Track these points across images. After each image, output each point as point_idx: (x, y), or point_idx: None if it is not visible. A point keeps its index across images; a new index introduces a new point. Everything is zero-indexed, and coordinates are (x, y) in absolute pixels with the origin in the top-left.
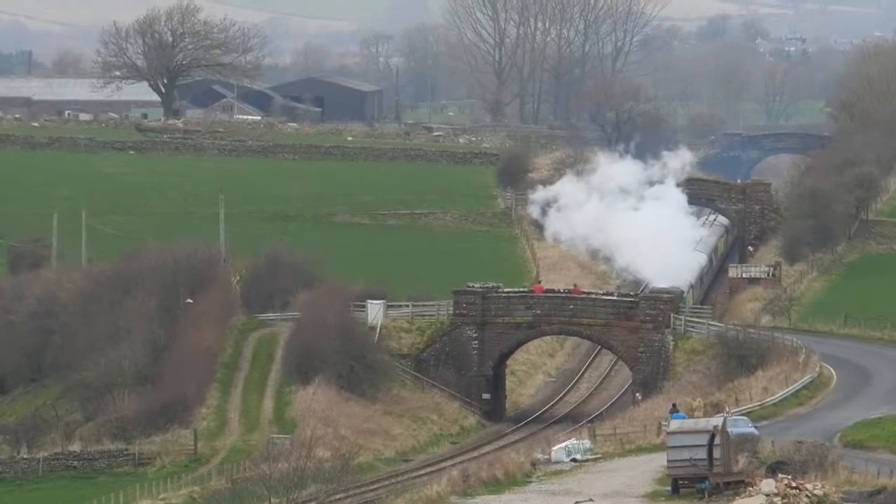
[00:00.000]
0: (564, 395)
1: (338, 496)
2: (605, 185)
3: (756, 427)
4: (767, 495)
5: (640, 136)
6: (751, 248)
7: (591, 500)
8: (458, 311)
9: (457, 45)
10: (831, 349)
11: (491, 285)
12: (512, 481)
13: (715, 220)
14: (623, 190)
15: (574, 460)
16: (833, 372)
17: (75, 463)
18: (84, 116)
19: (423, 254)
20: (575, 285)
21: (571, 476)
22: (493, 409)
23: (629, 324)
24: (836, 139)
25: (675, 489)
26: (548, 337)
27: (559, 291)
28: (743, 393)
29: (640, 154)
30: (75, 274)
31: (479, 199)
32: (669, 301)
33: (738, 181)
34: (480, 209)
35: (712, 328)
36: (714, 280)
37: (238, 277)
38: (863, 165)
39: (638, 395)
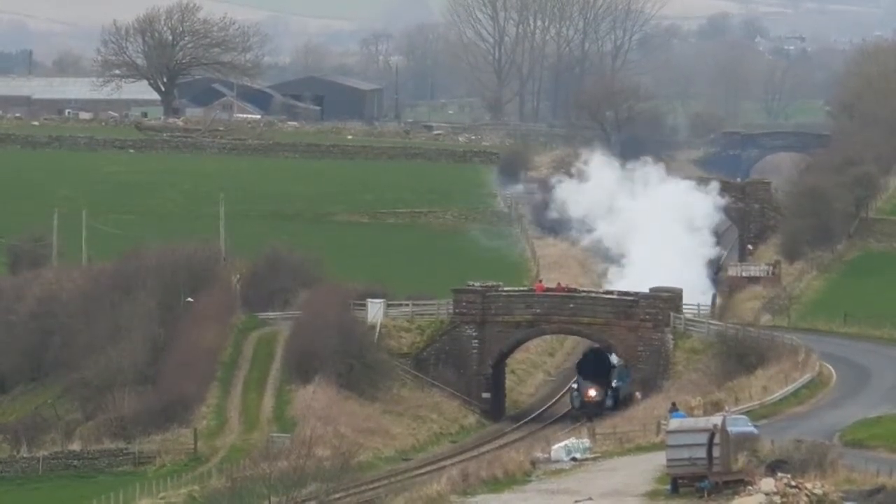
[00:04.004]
0: (564, 393)
1: (337, 495)
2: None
3: (755, 426)
4: (767, 494)
5: (640, 134)
6: (750, 247)
7: (590, 499)
8: (458, 310)
9: (456, 44)
10: (831, 348)
11: (491, 284)
12: (511, 480)
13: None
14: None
15: (574, 459)
16: (833, 371)
17: (75, 462)
18: (84, 115)
19: (423, 253)
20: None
21: (571, 475)
22: (493, 408)
23: (629, 323)
24: (836, 138)
25: (675, 488)
26: (547, 336)
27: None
28: (742, 392)
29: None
30: (75, 273)
31: (478, 198)
32: (669, 300)
33: (738, 180)
34: (480, 208)
35: (712, 327)
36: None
37: (238, 276)
38: (862, 164)
39: (638, 394)
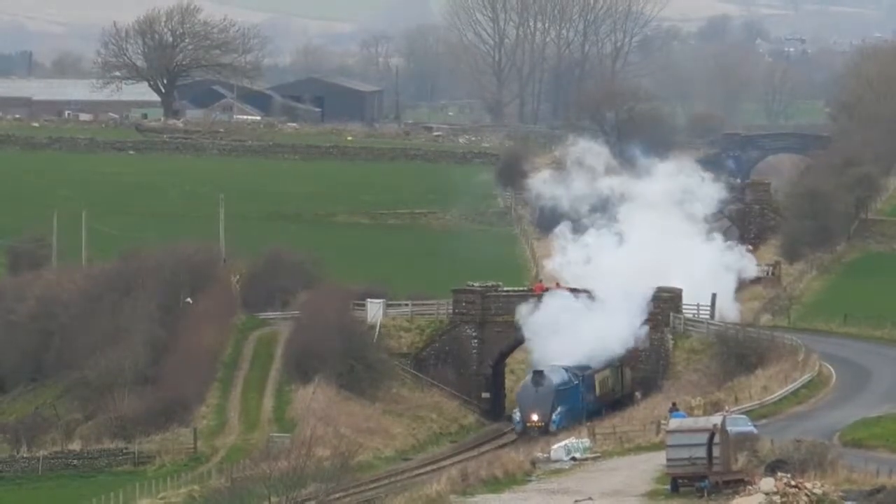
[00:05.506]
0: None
1: (337, 495)
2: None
3: (755, 426)
4: (767, 494)
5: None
6: (750, 248)
7: (590, 498)
8: (457, 310)
9: (457, 46)
10: (831, 348)
11: (490, 284)
12: (511, 480)
13: None
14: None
15: (573, 459)
16: (832, 371)
17: (75, 462)
18: (84, 117)
19: (423, 253)
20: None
21: (571, 475)
22: (493, 408)
23: None
24: (836, 139)
25: (675, 488)
26: None
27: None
28: (742, 392)
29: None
30: (75, 274)
31: (478, 199)
32: (669, 300)
33: (738, 181)
34: (480, 208)
35: (712, 327)
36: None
37: (238, 277)
38: (862, 165)
39: (638, 393)
